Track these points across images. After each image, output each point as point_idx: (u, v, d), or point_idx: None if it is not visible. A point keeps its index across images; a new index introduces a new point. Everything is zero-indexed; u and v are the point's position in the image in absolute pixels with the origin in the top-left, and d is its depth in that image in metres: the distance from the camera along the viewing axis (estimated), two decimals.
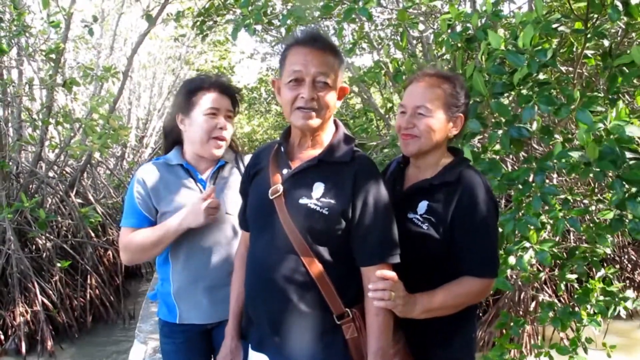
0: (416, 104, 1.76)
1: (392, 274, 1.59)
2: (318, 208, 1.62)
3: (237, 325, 1.89)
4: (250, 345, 1.82)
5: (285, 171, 1.71)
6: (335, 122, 1.77)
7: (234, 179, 2.13)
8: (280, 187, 1.67)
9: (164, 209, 2.07)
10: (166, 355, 2.20)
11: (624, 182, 2.06)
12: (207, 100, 2.06)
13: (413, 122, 1.76)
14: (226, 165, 2.17)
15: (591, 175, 2.09)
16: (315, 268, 1.61)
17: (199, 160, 2.13)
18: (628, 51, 2.35)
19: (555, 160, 2.26)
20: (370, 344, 1.60)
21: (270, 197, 1.68)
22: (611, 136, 2.01)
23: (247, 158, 2.15)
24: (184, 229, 1.99)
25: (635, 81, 2.67)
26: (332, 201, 1.62)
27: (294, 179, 1.68)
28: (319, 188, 1.64)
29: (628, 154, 2.01)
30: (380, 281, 1.57)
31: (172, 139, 2.20)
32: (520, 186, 2.36)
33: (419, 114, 1.76)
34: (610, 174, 2.09)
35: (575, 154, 2.11)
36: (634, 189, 2.08)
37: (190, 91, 2.10)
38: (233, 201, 2.05)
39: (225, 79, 2.18)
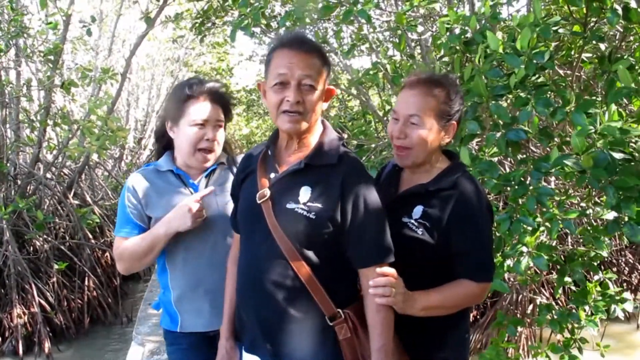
0: (409, 113, 1.75)
1: (392, 271, 1.60)
2: (305, 213, 1.61)
3: (231, 327, 1.89)
4: (243, 347, 1.83)
5: (272, 175, 1.70)
6: (323, 123, 1.76)
7: (227, 180, 2.11)
8: (268, 192, 1.67)
9: (156, 215, 2.04)
10: None
11: (616, 188, 2.07)
12: (195, 111, 2.00)
13: (405, 132, 1.76)
14: (218, 168, 2.13)
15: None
16: (304, 272, 1.61)
17: (189, 166, 2.10)
18: (626, 54, 2.36)
19: (551, 165, 2.27)
20: (373, 341, 1.60)
21: (258, 202, 1.67)
22: (603, 139, 2.01)
23: (240, 158, 2.12)
24: (173, 233, 1.96)
25: (632, 85, 2.68)
26: (320, 205, 1.61)
27: (281, 183, 1.68)
28: (306, 192, 1.63)
29: (619, 155, 2.01)
30: (380, 278, 1.59)
31: (163, 143, 2.18)
32: (516, 187, 2.36)
33: (411, 123, 1.75)
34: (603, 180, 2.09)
35: (569, 162, 2.12)
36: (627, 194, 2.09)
37: (180, 99, 2.04)
38: (227, 203, 2.04)
39: (217, 85, 2.10)
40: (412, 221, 1.75)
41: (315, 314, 1.64)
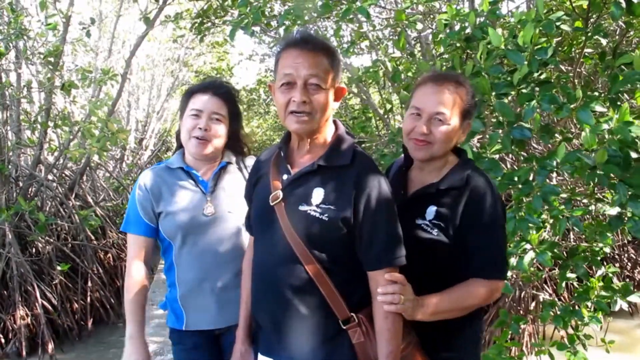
0: (435, 110, 1.72)
1: (401, 277, 1.58)
2: (317, 214, 1.59)
3: (246, 329, 1.88)
4: (259, 349, 1.80)
5: (285, 177, 1.69)
6: (335, 122, 1.74)
7: (236, 179, 2.14)
8: (280, 194, 1.65)
9: (166, 209, 2.07)
10: None
11: (627, 185, 2.06)
12: (193, 102, 2.10)
13: (430, 129, 1.72)
14: (229, 166, 2.16)
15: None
16: (317, 273, 1.59)
17: (198, 162, 2.14)
18: (628, 50, 2.34)
19: (559, 161, 2.25)
20: (381, 348, 1.58)
21: (271, 204, 1.66)
22: (614, 137, 2.00)
23: (249, 160, 2.16)
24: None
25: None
26: (332, 207, 1.59)
27: (293, 185, 1.66)
28: (318, 194, 1.61)
29: (634, 154, 2.00)
30: (389, 285, 1.56)
31: (180, 142, 2.21)
32: (520, 185, 2.35)
33: (437, 120, 1.72)
34: (613, 177, 2.08)
35: (584, 158, 2.10)
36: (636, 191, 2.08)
37: (185, 96, 2.15)
38: (235, 200, 2.05)
39: (218, 81, 2.18)
40: (427, 222, 1.72)
41: (329, 316, 1.62)
